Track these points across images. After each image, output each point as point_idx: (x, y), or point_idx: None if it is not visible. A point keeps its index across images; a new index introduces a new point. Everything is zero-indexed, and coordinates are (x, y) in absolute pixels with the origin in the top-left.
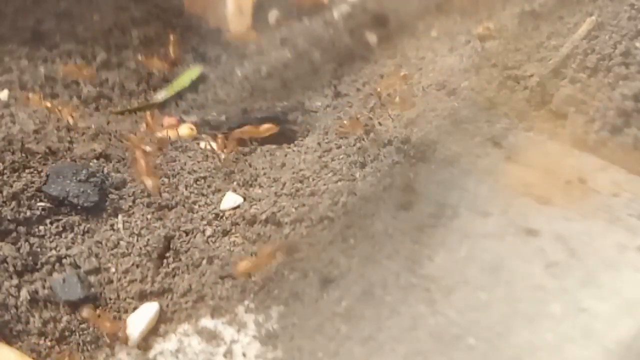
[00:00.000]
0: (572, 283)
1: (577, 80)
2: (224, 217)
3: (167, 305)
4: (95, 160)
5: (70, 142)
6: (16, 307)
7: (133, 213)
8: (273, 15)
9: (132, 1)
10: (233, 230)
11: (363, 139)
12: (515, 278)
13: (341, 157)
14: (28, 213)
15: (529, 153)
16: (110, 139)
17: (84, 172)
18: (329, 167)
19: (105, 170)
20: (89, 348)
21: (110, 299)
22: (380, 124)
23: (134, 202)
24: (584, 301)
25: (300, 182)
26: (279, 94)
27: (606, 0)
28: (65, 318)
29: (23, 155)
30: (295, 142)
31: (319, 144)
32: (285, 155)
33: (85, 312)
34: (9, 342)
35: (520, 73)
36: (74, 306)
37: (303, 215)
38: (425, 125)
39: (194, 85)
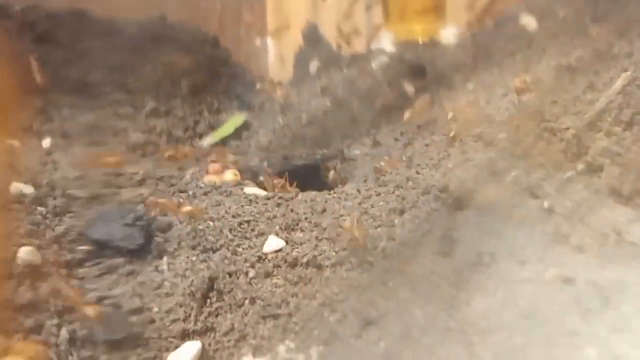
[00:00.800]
0: (607, 329)
1: (613, 134)
2: (267, 260)
3: (210, 344)
4: (140, 204)
5: (118, 187)
6: (56, 346)
7: (178, 255)
8: (314, 65)
9: (182, 53)
10: (275, 272)
11: (402, 187)
12: (551, 324)
13: (380, 204)
14: (69, 256)
15: (565, 203)
16: (157, 184)
17: (130, 215)
18: (368, 213)
19: (152, 214)
20: None
21: (151, 338)
22: (418, 172)
23: (179, 244)
24: (619, 347)
25: (341, 227)
26: (318, 141)
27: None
28: (103, 357)
29: (64, 199)
30: (335, 189)
31: (358, 190)
32: (326, 202)
33: None
34: None
35: (557, 125)
36: (113, 345)
37: (343, 259)
38: (462, 175)
39: (237, 133)
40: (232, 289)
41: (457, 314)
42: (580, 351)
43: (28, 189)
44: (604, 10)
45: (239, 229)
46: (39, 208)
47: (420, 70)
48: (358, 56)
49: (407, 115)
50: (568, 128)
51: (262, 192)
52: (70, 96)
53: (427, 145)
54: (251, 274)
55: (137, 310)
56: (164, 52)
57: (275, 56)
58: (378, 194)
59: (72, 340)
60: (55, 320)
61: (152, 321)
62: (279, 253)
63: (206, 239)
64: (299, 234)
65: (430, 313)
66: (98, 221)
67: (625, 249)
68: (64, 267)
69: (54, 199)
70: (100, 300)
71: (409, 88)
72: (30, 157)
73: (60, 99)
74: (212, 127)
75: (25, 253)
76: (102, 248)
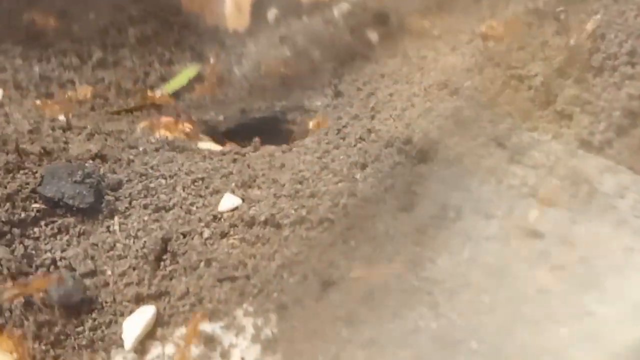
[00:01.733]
0: (578, 286)
1: (583, 80)
2: (222, 219)
3: (164, 309)
4: (91, 161)
5: (66, 142)
6: (10, 311)
7: (130, 215)
8: (272, 13)
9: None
10: (231, 232)
11: (364, 140)
12: (520, 281)
13: (341, 157)
14: (22, 214)
15: (533, 153)
16: (106, 139)
17: (79, 172)
18: (329, 168)
19: (101, 171)
20: (84, 352)
21: (106, 302)
22: (381, 124)
23: (130, 203)
24: (590, 305)
25: (300, 183)
26: (278, 93)
27: (610, 1)
28: (60, 322)
29: (17, 155)
30: (293, 141)
31: (318, 144)
32: (285, 156)
33: None
34: None
35: (524, 72)
36: (69, 310)
37: (303, 217)
38: (427, 126)
39: (191, 85)
40: (186, 251)
41: (422, 273)
42: (550, 309)
43: None
44: None
45: (192, 186)
46: None
47: (384, 17)
48: (319, 3)
49: None
50: (536, 75)
51: (217, 147)
52: (20, 45)
53: (390, 95)
54: (206, 234)
55: (91, 274)
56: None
57: (232, 4)
58: (339, 147)
59: (27, 304)
60: (10, 284)
61: (106, 284)
62: (235, 212)
63: (158, 198)
64: (257, 192)
65: (393, 273)
66: (49, 178)
67: (596, 200)
68: (17, 227)
69: (6, 154)
70: (54, 262)
71: (373, 36)
72: None
73: (12, 49)
74: (164, 79)
75: None
76: (54, 207)
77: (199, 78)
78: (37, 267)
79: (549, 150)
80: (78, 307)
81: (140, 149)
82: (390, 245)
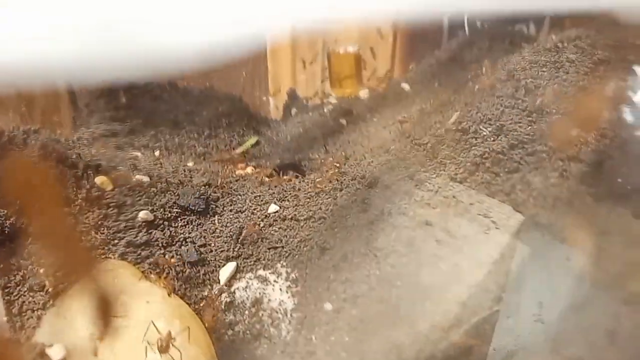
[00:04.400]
0: (450, 252)
1: (450, 145)
2: (270, 217)
3: (239, 264)
4: (203, 187)
5: (191, 177)
6: (164, 267)
7: (223, 214)
8: (294, 110)
9: (220, 104)
10: (274, 224)
11: (340, 175)
12: (421, 248)
13: (329, 185)
14: (169, 214)
15: (426, 184)
16: (211, 175)
17: (197, 192)
18: (324, 190)
19: (209, 192)
20: (201, 286)
21: (211, 260)
22: (349, 168)
23: (223, 208)
24: (458, 261)
25: (308, 199)
26: (296, 150)
27: (463, 104)
28: (187, 270)
29: (167, 185)
30: (305, 176)
31: (315, 177)
32: (299, 184)
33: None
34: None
35: (421, 141)
36: (192, 264)
37: (311, 215)
38: (372, 168)
39: (253, 147)
40: (251, 234)
41: (371, 245)
42: (437, 263)
43: (145, 179)
44: (445, 79)
45: (254, 199)
46: (153, 189)
47: (349, 111)
48: (317, 105)
49: None
50: (427, 142)
51: (266, 179)
52: (168, 128)
53: (353, 152)
54: (261, 224)
55: (203, 246)
56: (212, 105)
57: (273, 106)
58: (327, 179)
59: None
60: (162, 251)
61: (211, 251)
62: (276, 213)
63: (237, 205)
64: (286, 203)
65: (357, 245)
66: (182, 195)
67: (459, 207)
68: (166, 221)
69: (161, 184)
70: (185, 239)
71: (343, 121)
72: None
73: (163, 131)
74: (240, 144)
75: (145, 214)
76: (185, 210)
77: (256, 144)
78: (176, 242)
79: (435, 182)
80: (197, 262)
81: (227, 180)
82: (354, 231)
